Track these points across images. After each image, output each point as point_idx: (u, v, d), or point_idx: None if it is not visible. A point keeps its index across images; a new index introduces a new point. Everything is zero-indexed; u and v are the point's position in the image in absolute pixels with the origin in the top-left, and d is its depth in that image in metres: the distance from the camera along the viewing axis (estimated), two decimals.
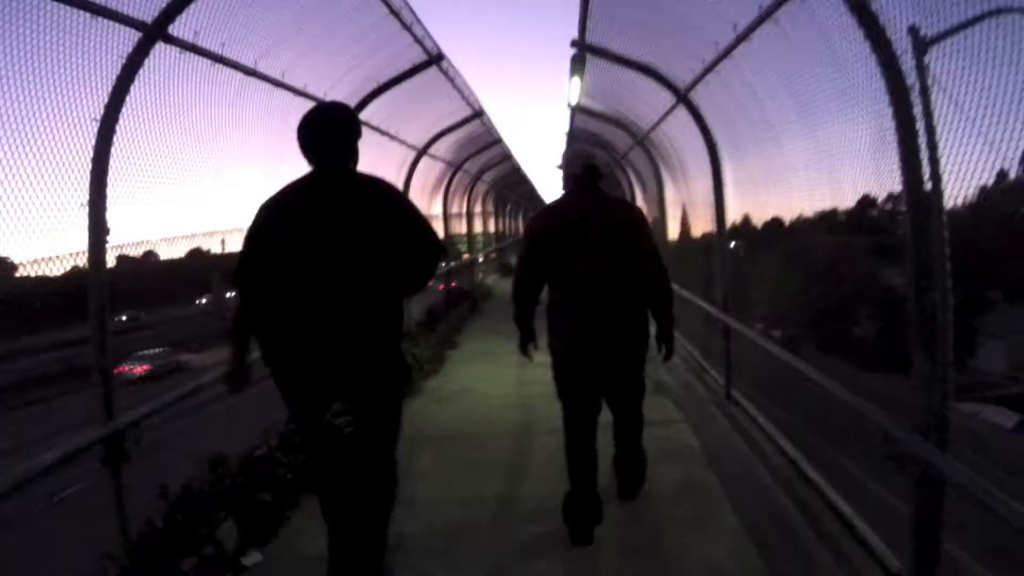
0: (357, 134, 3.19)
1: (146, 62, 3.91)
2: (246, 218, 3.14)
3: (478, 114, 10.07)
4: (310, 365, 2.93)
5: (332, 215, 2.93)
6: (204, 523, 4.00)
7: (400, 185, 9.92)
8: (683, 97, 6.32)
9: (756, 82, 5.04)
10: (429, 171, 11.29)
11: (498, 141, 13.96)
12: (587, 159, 4.04)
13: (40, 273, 3.57)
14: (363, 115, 7.19)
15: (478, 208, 19.00)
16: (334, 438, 2.90)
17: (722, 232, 6.38)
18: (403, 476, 3.42)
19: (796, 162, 4.99)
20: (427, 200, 11.94)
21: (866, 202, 4.19)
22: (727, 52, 4.94)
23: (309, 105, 3.03)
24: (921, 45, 2.83)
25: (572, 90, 8.25)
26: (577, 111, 9.76)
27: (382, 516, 3.21)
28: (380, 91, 6.92)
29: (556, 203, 4.10)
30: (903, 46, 2.88)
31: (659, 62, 6.30)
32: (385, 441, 3.13)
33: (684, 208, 9.40)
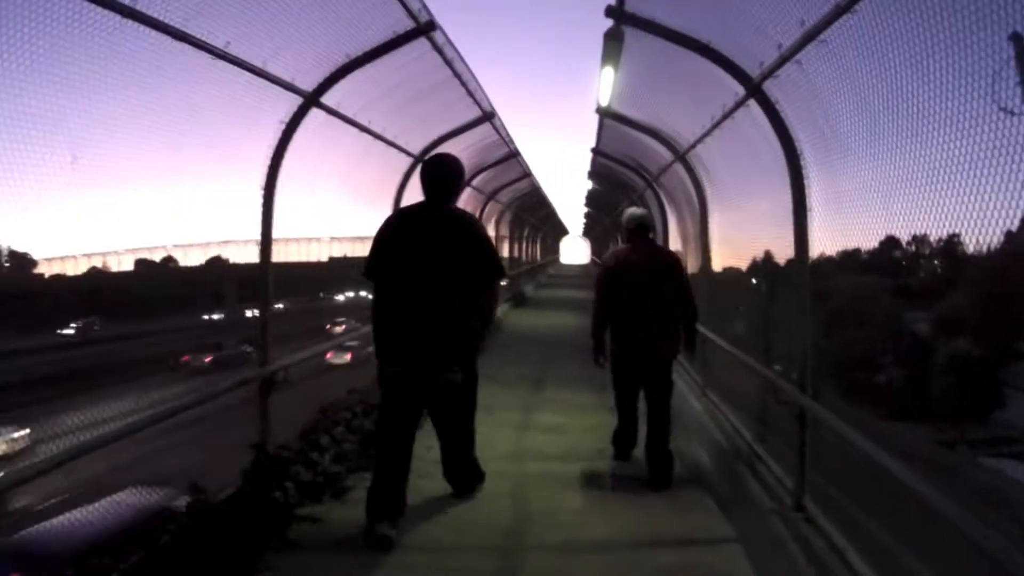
0: (461, 181, 4.84)
1: None
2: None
3: (488, 116, 8.38)
4: (417, 340, 4.28)
5: (431, 234, 4.34)
6: None
7: (392, 197, 8.30)
8: (756, 87, 4.60)
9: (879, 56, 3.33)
10: None
11: (514, 155, 12.29)
12: (639, 220, 5.76)
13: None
14: (330, 100, 5.56)
15: (491, 232, 17.27)
16: (448, 388, 4.39)
17: (803, 272, 4.61)
18: None
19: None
20: None
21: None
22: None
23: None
24: None
25: (603, 85, 6.55)
26: (607, 117, 8.06)
27: (471, 417, 5.01)
28: (351, 67, 5.25)
29: (620, 249, 5.85)
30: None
31: (723, 40, 4.62)
32: (473, 379, 4.84)
33: (728, 239, 7.70)
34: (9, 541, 8.84)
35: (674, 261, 5.77)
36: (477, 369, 4.83)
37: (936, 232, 3.44)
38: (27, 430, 19.60)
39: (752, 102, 4.83)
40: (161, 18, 3.68)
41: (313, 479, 4.98)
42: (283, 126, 5.20)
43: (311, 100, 5.26)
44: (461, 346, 4.41)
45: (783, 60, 4.07)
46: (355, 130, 6.45)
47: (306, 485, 4.89)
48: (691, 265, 9.54)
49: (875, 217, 4.09)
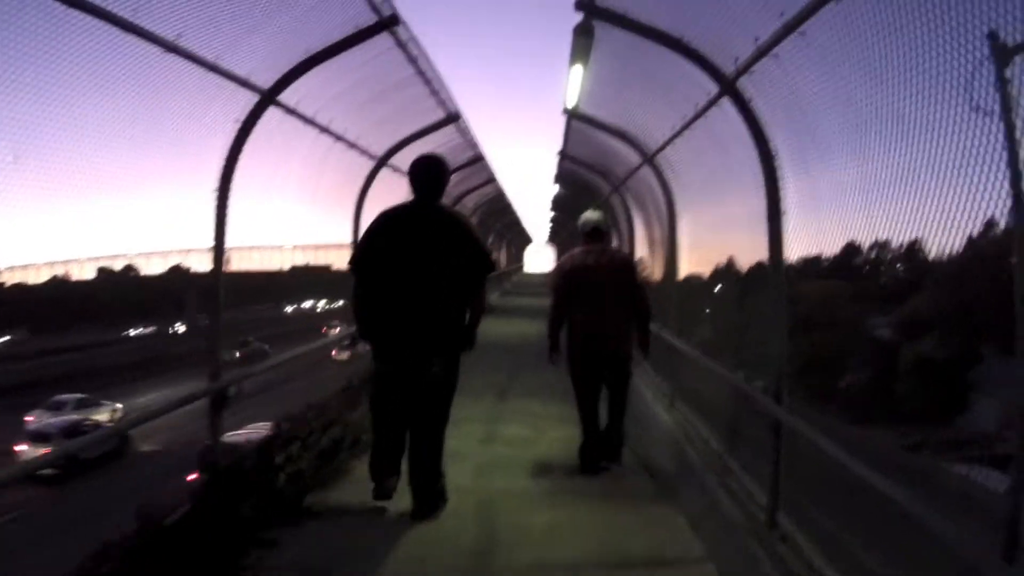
0: (447, 179, 4.89)
1: None
2: None
3: (453, 118, 8.17)
4: (406, 335, 4.52)
5: (423, 231, 4.54)
6: None
7: (353, 200, 8.07)
8: (730, 84, 4.45)
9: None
10: (392, 188, 9.35)
11: (480, 158, 12.09)
12: (595, 224, 5.98)
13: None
14: (289, 99, 5.33)
15: None
16: (430, 382, 4.56)
17: (778, 278, 4.46)
18: None
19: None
20: None
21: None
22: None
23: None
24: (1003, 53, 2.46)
25: (571, 84, 6.40)
26: (575, 118, 7.91)
27: (442, 428, 4.77)
28: (310, 64, 5.01)
29: (575, 252, 5.97)
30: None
31: (697, 35, 4.47)
32: (447, 390, 4.73)
33: (697, 244, 7.58)
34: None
35: (628, 263, 6.17)
36: (458, 372, 4.80)
37: (917, 234, 3.33)
38: (120, 404, 28.67)
39: (726, 100, 4.68)
40: (107, 7, 3.44)
41: (269, 500, 4.72)
42: (238, 125, 4.94)
43: (268, 98, 5.01)
44: (450, 341, 4.62)
45: (760, 54, 3.91)
46: (315, 131, 6.21)
47: (261, 507, 4.63)
48: (659, 271, 9.42)
49: (853, 219, 3.98)
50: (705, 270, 7.70)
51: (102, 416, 26.47)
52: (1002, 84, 2.48)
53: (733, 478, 5.31)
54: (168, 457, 13.28)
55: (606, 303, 5.68)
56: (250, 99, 4.95)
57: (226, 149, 4.92)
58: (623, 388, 5.88)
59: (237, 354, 33.33)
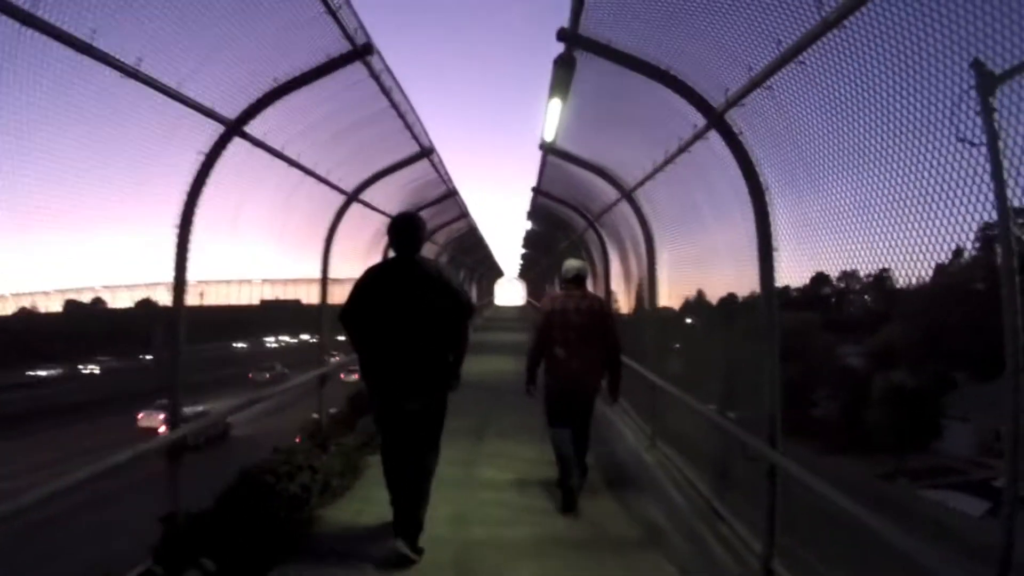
0: (425, 233, 5.29)
1: None
2: None
3: (427, 152, 7.96)
4: (394, 376, 4.81)
5: (406, 284, 4.85)
6: None
7: (323, 236, 7.82)
8: (719, 117, 4.30)
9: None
10: (363, 224, 9.11)
11: (452, 194, 11.88)
12: (576, 271, 6.43)
13: None
14: (256, 130, 5.10)
15: None
16: (409, 418, 4.84)
17: (771, 318, 4.27)
18: None
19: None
20: (362, 260, 9.59)
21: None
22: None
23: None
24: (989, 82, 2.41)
25: (549, 118, 6.22)
26: (551, 153, 7.75)
27: (431, 466, 5.03)
28: (279, 93, 4.80)
29: (557, 294, 6.52)
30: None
31: (686, 66, 4.32)
32: (436, 424, 5.06)
33: (678, 281, 7.44)
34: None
35: (604, 309, 6.47)
36: (446, 404, 5.11)
37: (899, 263, 3.19)
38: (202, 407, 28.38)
39: (713, 134, 4.53)
40: (64, 27, 3.21)
41: (232, 556, 4.40)
42: (202, 157, 4.70)
43: (234, 129, 4.78)
44: (437, 381, 4.94)
45: (754, 85, 3.75)
46: (283, 164, 5.96)
47: (225, 564, 4.31)
48: (635, 307, 9.26)
49: (840, 250, 3.82)
50: (686, 307, 7.55)
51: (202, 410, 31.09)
52: (987, 114, 2.44)
53: (724, 524, 5.07)
54: (258, 439, 15.94)
55: (582, 345, 6.06)
56: (215, 130, 4.73)
57: (189, 182, 4.68)
58: (587, 420, 6.28)
59: (267, 375, 37.88)
